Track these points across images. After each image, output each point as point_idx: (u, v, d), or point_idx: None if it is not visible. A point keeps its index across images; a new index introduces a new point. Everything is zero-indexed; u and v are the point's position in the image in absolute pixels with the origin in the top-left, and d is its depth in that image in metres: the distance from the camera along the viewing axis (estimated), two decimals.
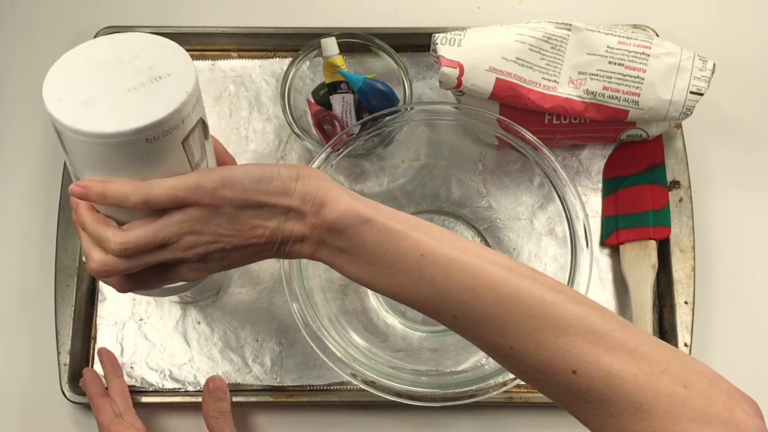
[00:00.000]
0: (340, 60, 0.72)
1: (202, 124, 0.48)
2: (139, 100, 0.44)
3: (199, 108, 0.47)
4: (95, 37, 0.77)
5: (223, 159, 0.54)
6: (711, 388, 0.42)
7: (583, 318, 0.44)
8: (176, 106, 0.44)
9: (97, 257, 0.46)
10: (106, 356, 0.69)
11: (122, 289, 0.50)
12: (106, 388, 0.67)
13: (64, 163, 0.74)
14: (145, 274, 0.48)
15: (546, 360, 0.44)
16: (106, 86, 0.44)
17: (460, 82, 0.67)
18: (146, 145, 0.44)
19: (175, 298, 0.71)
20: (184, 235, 0.46)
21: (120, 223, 0.47)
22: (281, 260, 0.62)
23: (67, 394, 0.68)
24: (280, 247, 0.49)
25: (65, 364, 0.69)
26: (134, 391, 0.69)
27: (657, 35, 0.77)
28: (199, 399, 0.67)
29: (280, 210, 0.47)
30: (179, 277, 0.49)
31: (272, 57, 0.80)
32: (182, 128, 0.45)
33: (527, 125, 0.65)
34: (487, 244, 0.73)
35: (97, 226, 0.47)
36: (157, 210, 0.46)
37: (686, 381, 0.42)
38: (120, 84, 0.44)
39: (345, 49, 0.73)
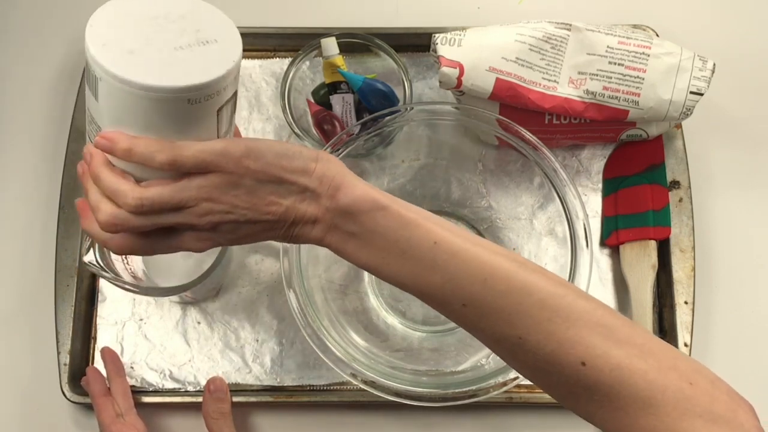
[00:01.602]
0: (340, 60, 0.72)
1: (236, 97, 0.48)
2: (186, 60, 0.43)
3: (237, 80, 0.47)
4: None
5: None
6: (714, 388, 0.42)
7: (592, 312, 0.44)
8: (223, 72, 0.43)
9: (108, 210, 0.45)
10: (109, 356, 0.69)
11: (121, 249, 0.48)
12: (108, 387, 0.67)
13: (64, 163, 0.74)
14: (150, 236, 0.47)
15: (555, 351, 0.44)
16: (153, 40, 0.43)
17: (460, 82, 0.67)
18: (186, 106, 0.43)
19: (175, 298, 0.71)
20: (201, 200, 0.45)
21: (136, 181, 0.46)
22: (281, 260, 0.62)
23: (67, 394, 0.68)
24: (290, 228, 0.48)
25: (65, 364, 0.69)
26: (134, 391, 0.69)
27: (657, 35, 0.77)
28: (199, 399, 0.67)
29: (297, 188, 0.47)
30: (184, 244, 0.48)
31: (272, 57, 0.80)
32: (222, 96, 0.45)
33: (527, 125, 0.65)
34: None
35: (114, 179, 0.45)
36: (175, 174, 0.45)
37: (691, 379, 0.42)
38: (166, 40, 0.44)
39: (345, 49, 0.73)
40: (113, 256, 0.63)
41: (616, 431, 0.43)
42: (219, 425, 0.64)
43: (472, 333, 0.48)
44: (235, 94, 0.47)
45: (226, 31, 0.46)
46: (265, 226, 0.48)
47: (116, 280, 0.61)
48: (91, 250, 0.60)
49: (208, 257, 0.64)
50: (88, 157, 0.47)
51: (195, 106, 0.44)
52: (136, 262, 0.67)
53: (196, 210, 0.45)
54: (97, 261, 0.60)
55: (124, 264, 0.65)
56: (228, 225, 0.47)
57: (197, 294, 0.71)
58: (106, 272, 0.60)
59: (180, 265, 0.68)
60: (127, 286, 0.61)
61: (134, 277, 0.65)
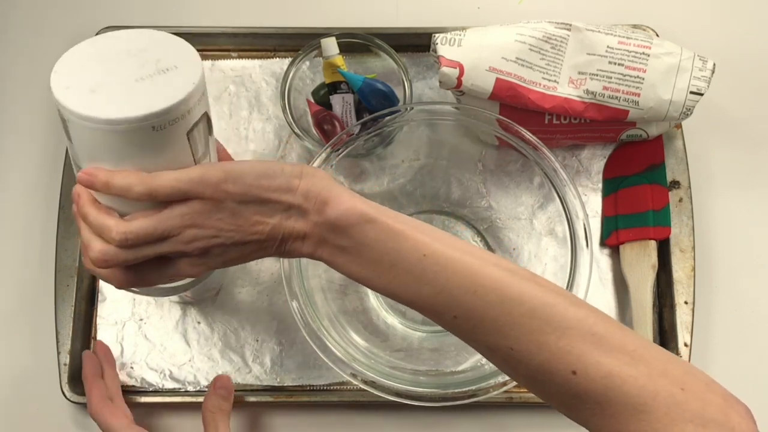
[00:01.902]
0: (340, 60, 0.72)
1: (207, 118, 0.48)
2: (146, 89, 0.44)
3: (205, 101, 0.48)
4: (96, 35, 0.77)
5: (223, 159, 0.54)
6: (707, 391, 0.43)
7: (584, 320, 0.44)
8: (183, 95, 0.44)
9: (98, 247, 0.46)
10: (102, 350, 0.69)
11: (120, 284, 0.49)
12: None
13: (64, 163, 0.74)
14: (143, 268, 0.48)
15: (546, 361, 0.44)
16: (114, 76, 0.45)
17: (460, 82, 0.67)
18: (152, 134, 0.44)
19: (175, 298, 0.71)
20: (185, 227, 0.46)
21: (122, 215, 0.47)
22: (281, 260, 0.62)
23: (67, 394, 0.68)
24: (280, 245, 0.49)
25: (65, 364, 0.69)
26: (134, 391, 0.69)
27: (657, 35, 0.77)
28: (199, 399, 0.67)
29: (282, 207, 0.47)
30: (178, 272, 0.49)
31: (272, 57, 0.80)
32: (188, 119, 0.46)
33: (527, 125, 0.65)
34: (487, 244, 0.73)
35: (100, 216, 0.46)
36: (159, 203, 0.46)
37: (683, 384, 0.42)
38: (127, 74, 0.45)
39: (345, 49, 0.73)
40: None
41: None
42: (215, 419, 0.64)
43: (466, 342, 0.48)
44: (206, 115, 0.48)
45: (186, 57, 0.47)
46: (255, 246, 0.48)
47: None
48: None
49: None
50: (76, 197, 0.48)
51: (161, 132, 0.45)
52: None
53: (181, 238, 0.46)
54: None
55: None
56: (217, 249, 0.47)
57: (197, 294, 0.71)
58: None
59: None
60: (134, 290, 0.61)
61: None
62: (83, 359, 0.68)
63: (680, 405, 0.42)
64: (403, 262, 0.47)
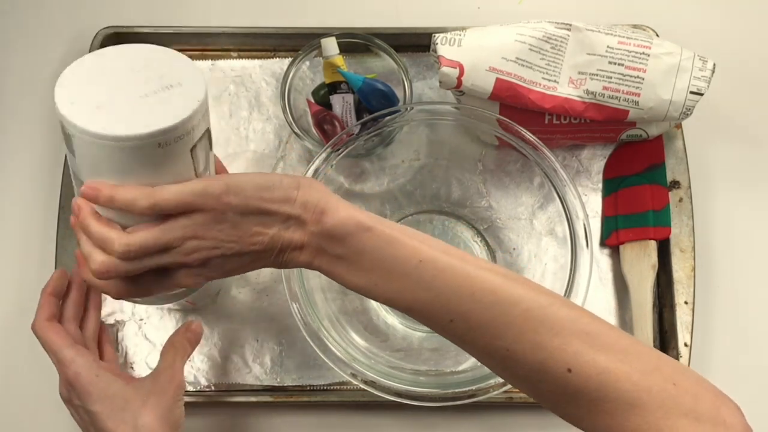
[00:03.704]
0: (340, 60, 0.72)
1: (209, 134, 0.49)
2: (152, 106, 0.45)
3: (207, 117, 0.48)
4: (95, 36, 0.77)
5: (219, 171, 0.55)
6: (698, 387, 0.44)
7: (577, 320, 0.45)
8: (189, 113, 0.45)
9: (99, 258, 0.47)
10: (79, 284, 0.64)
11: (119, 294, 0.50)
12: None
13: (64, 163, 0.74)
14: (142, 279, 0.49)
15: (542, 360, 0.45)
16: (119, 92, 0.45)
17: (460, 82, 0.67)
18: (157, 150, 0.45)
19: (175, 305, 0.71)
20: (187, 239, 0.47)
21: (122, 228, 0.48)
22: None
23: None
24: (278, 255, 0.49)
25: None
26: None
27: (657, 35, 0.77)
28: (200, 399, 0.67)
29: (280, 218, 0.48)
30: (177, 282, 0.49)
31: (272, 57, 0.80)
32: (192, 136, 0.46)
33: (527, 125, 0.65)
34: (487, 244, 0.73)
35: (102, 228, 0.47)
36: (159, 216, 0.47)
37: (675, 380, 0.44)
38: (132, 91, 0.45)
39: (345, 49, 0.73)
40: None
41: None
42: (175, 355, 0.61)
43: (460, 347, 0.49)
44: (207, 131, 0.49)
45: (188, 74, 0.47)
46: (254, 256, 0.49)
47: None
48: None
49: None
50: (76, 209, 0.48)
51: (166, 148, 0.45)
52: None
53: (182, 249, 0.47)
54: None
55: None
56: (217, 260, 0.48)
57: (198, 300, 0.70)
58: None
59: None
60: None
61: None
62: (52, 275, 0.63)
63: (674, 399, 0.43)
64: (399, 268, 0.47)
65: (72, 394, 0.58)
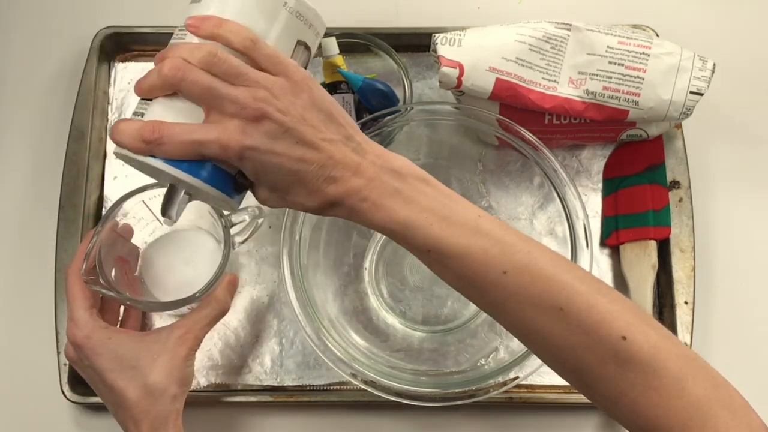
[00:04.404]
0: (340, 60, 0.72)
1: (308, 50, 0.52)
2: None
3: (312, 49, 0.53)
4: (95, 37, 0.77)
5: None
6: (728, 386, 0.45)
7: (626, 299, 0.47)
8: (319, 14, 0.52)
9: (180, 54, 0.46)
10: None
11: (146, 133, 0.46)
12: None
13: (64, 163, 0.74)
14: (179, 125, 0.46)
15: (597, 323, 0.44)
16: None
17: (460, 82, 0.67)
18: (282, 11, 0.49)
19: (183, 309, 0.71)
20: (261, 86, 0.46)
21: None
22: (281, 261, 0.62)
23: (67, 394, 0.68)
24: (327, 166, 0.47)
25: (65, 364, 0.69)
26: None
27: (657, 35, 0.77)
28: (200, 399, 0.67)
29: (344, 132, 0.48)
30: (222, 130, 0.46)
31: None
32: (306, 30, 0.51)
33: (527, 125, 0.65)
34: None
35: (228, 23, 0.47)
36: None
37: (710, 373, 0.45)
38: None
39: (345, 49, 0.73)
40: (113, 273, 0.63)
41: (647, 410, 0.44)
42: (198, 312, 0.62)
43: (498, 310, 0.48)
44: (307, 47, 0.52)
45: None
46: (304, 151, 0.46)
47: (119, 296, 0.60)
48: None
49: (208, 269, 0.63)
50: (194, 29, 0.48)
51: (288, 16, 0.49)
52: (136, 275, 0.67)
53: (253, 92, 0.46)
54: (99, 262, 0.60)
55: (125, 277, 0.65)
56: (271, 124, 0.45)
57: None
58: (109, 291, 0.59)
59: (179, 278, 0.68)
60: (128, 303, 0.61)
61: (134, 289, 0.65)
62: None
63: (717, 390, 0.44)
64: (457, 215, 0.48)
65: (80, 354, 0.59)
